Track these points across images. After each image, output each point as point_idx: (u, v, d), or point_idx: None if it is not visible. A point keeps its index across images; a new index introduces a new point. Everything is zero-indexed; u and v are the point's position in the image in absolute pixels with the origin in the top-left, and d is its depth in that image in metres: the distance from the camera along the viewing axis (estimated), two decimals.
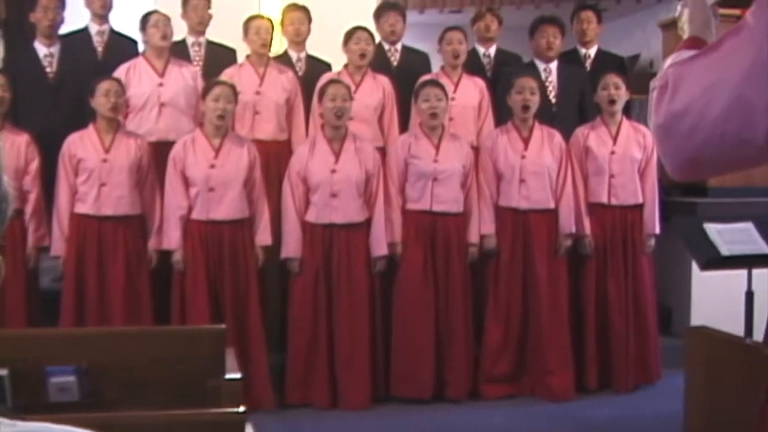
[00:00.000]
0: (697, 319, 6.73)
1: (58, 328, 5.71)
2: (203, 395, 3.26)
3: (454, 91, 6.67)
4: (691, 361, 4.51)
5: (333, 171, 6.03)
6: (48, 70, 6.60)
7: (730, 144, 1.37)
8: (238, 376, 3.38)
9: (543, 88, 6.71)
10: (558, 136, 6.36)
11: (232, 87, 6.00)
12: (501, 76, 6.98)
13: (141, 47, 6.78)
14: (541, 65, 7.08)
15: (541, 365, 6.25)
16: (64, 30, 6.82)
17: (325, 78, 6.51)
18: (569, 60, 7.34)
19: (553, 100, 7.02)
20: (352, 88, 6.37)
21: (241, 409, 2.69)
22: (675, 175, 1.49)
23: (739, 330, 4.60)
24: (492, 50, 7.37)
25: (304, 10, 7.00)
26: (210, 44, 7.06)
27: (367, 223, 6.10)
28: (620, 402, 6.21)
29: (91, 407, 3.29)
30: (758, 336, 4.42)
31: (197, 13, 6.92)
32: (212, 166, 5.90)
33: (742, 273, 4.81)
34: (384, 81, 6.75)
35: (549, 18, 7.18)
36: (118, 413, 2.80)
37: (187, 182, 5.93)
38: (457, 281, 6.20)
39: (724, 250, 4.85)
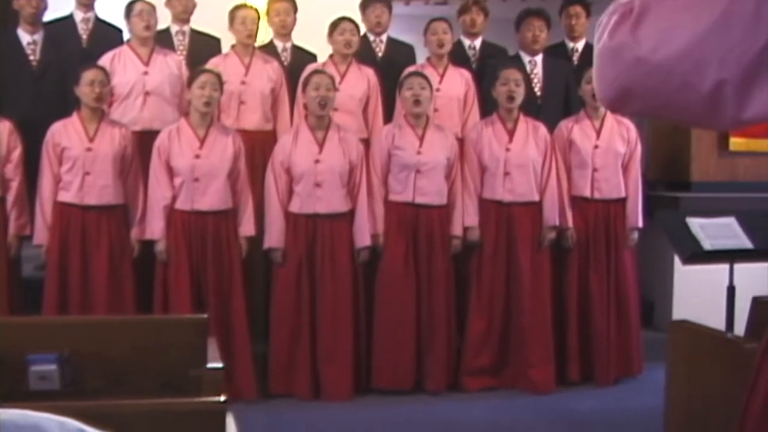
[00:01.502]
0: (679, 313, 6.76)
1: (40, 316, 5.70)
2: (185, 384, 3.26)
3: (440, 82, 6.67)
4: (673, 355, 4.52)
5: (317, 161, 6.02)
6: (31, 57, 6.57)
7: (672, 84, 1.37)
8: (219, 365, 3.37)
9: (528, 81, 6.72)
10: (543, 129, 6.37)
11: (218, 75, 5.98)
12: (486, 69, 6.97)
13: (126, 35, 6.75)
14: (526, 58, 7.08)
15: (523, 358, 6.26)
16: (48, 17, 6.78)
17: (309, 68, 6.50)
18: (557, 53, 7.34)
19: (538, 93, 7.03)
20: (337, 78, 6.36)
21: (222, 398, 2.69)
22: (603, 101, 1.49)
23: (720, 324, 4.62)
24: (477, 43, 7.37)
25: (290, 0, 6.98)
26: (194, 33, 7.04)
27: (351, 214, 6.10)
28: (602, 395, 6.23)
29: (73, 396, 3.28)
30: (739, 330, 4.44)
31: (181, 2, 6.91)
32: (197, 157, 5.89)
33: (724, 267, 4.82)
34: (369, 72, 6.75)
35: (535, 11, 7.16)
36: (100, 402, 2.80)
37: (171, 172, 5.92)
38: (440, 273, 6.20)
39: (707, 245, 4.87)
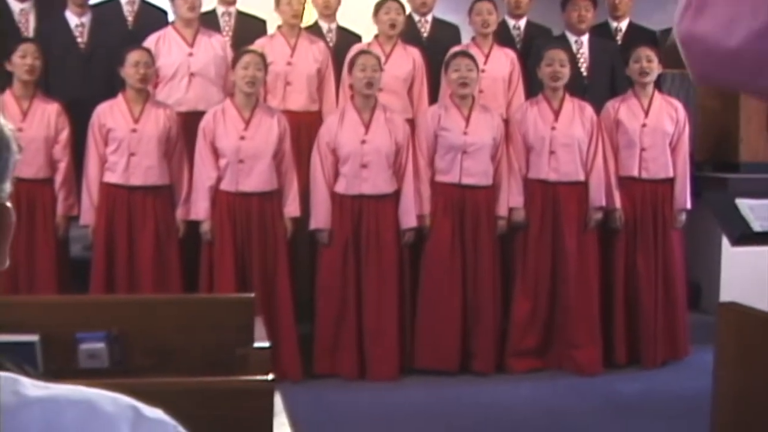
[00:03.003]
0: (726, 295, 6.68)
1: (89, 295, 5.75)
2: (231, 363, 3.27)
3: (485, 63, 6.63)
4: (721, 337, 4.47)
5: (363, 142, 6.02)
6: (79, 39, 6.61)
7: (743, 73, 1.36)
8: (266, 344, 3.38)
9: (574, 61, 6.67)
10: (589, 109, 6.32)
11: (262, 56, 5.98)
12: (532, 49, 6.93)
13: (171, 17, 6.77)
14: (572, 38, 7.03)
15: (568, 339, 6.24)
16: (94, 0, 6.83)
17: (355, 49, 6.49)
18: (600, 33, 7.28)
19: (585, 73, 6.98)
20: (382, 59, 6.34)
21: (270, 377, 2.69)
22: (697, 82, 1.49)
23: None
24: (522, 23, 7.32)
25: None
26: (240, 14, 7.05)
27: (396, 195, 6.09)
28: (648, 377, 6.19)
29: (121, 374, 3.30)
30: None
31: None
32: (242, 138, 5.90)
33: None
34: (414, 52, 6.72)
35: None
36: (147, 380, 2.81)
37: (216, 153, 5.94)
38: (486, 254, 6.18)
39: (756, 226, 4.80)
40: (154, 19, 6.89)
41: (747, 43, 1.32)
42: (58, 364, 3.30)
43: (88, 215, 5.96)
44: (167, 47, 6.45)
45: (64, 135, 6.06)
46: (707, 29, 1.37)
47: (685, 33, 1.41)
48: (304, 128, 6.44)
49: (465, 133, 6.14)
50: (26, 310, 3.50)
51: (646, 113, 6.34)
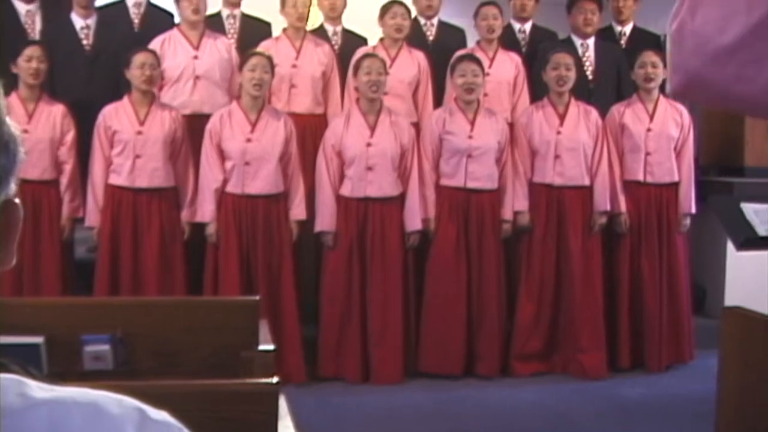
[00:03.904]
0: (731, 299, 6.68)
1: (93, 297, 5.76)
2: (236, 366, 3.26)
3: (490, 66, 6.63)
4: (726, 342, 4.47)
5: (368, 144, 6.02)
6: (84, 41, 6.62)
7: (729, 74, 1.35)
8: (271, 347, 3.38)
9: (580, 65, 6.67)
10: (594, 113, 6.32)
11: (269, 58, 5.99)
12: (537, 53, 6.93)
13: (177, 20, 6.78)
14: (578, 41, 7.03)
15: (573, 343, 6.24)
16: (100, 2, 6.83)
17: (360, 52, 6.49)
18: (604, 37, 7.27)
19: (590, 77, 6.97)
20: (388, 62, 6.34)
21: (275, 380, 2.69)
22: (670, 87, 1.48)
23: None
24: (527, 27, 7.32)
25: None
26: (245, 17, 7.05)
27: (402, 198, 6.09)
28: (652, 381, 6.18)
29: (126, 376, 3.30)
30: None
31: None
32: (248, 140, 5.91)
33: None
34: (419, 56, 6.73)
35: None
36: (152, 382, 2.81)
37: (222, 155, 5.94)
38: (491, 258, 6.18)
39: (761, 231, 4.79)
40: (160, 21, 6.90)
41: (741, 39, 1.32)
42: (63, 366, 3.30)
43: (93, 217, 5.97)
44: (173, 50, 6.46)
45: (70, 137, 6.07)
46: (700, 25, 1.37)
47: (678, 29, 1.41)
48: (308, 131, 6.45)
49: (470, 137, 6.14)
50: (31, 311, 3.50)
51: (651, 118, 6.34)
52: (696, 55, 1.38)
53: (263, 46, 6.43)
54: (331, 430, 5.28)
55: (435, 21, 7.18)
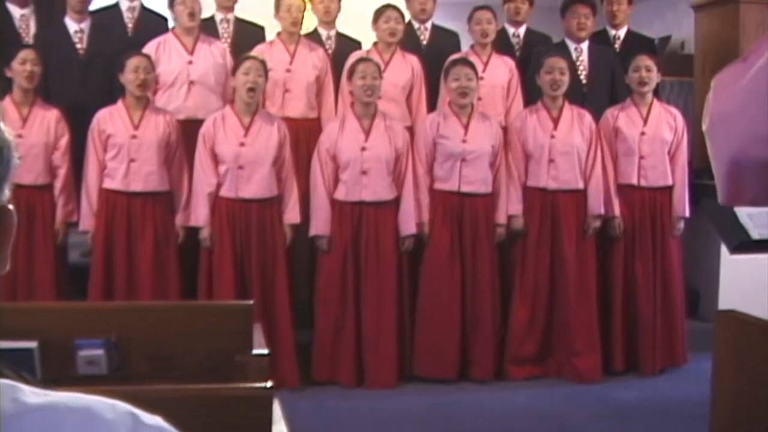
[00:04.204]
0: (725, 302, 6.68)
1: (87, 301, 5.75)
2: (230, 370, 3.27)
3: (483, 71, 6.63)
4: (720, 345, 4.47)
5: (363, 149, 6.02)
6: (78, 46, 6.61)
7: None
8: (265, 351, 3.38)
9: (574, 69, 6.68)
10: (588, 117, 6.33)
11: (263, 62, 5.99)
12: (531, 57, 6.93)
13: (171, 24, 6.77)
14: (572, 45, 7.04)
15: (567, 347, 6.24)
16: (94, 6, 6.82)
17: (354, 56, 6.49)
18: (598, 41, 7.28)
19: (584, 81, 6.98)
20: (381, 66, 6.35)
21: (269, 384, 2.69)
22: (722, 196, 1.49)
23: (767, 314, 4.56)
24: (521, 31, 7.33)
25: None
26: (239, 21, 7.04)
27: (396, 202, 6.10)
28: (646, 385, 6.19)
29: (119, 380, 3.30)
30: None
31: None
32: (242, 144, 5.91)
33: None
34: (413, 60, 6.73)
35: None
36: (146, 387, 2.81)
37: (216, 159, 5.94)
38: (485, 262, 6.19)
39: (755, 234, 4.80)
40: (154, 25, 6.88)
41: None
42: (57, 371, 3.30)
43: (87, 221, 5.96)
44: (167, 54, 6.45)
45: (64, 141, 6.06)
46: (719, 108, 1.38)
47: (709, 119, 1.42)
48: (302, 135, 6.45)
49: (464, 141, 6.14)
50: (25, 316, 3.50)
51: (645, 121, 6.35)
52: (729, 140, 1.39)
53: (257, 51, 6.43)
54: None
55: (429, 25, 7.18)
